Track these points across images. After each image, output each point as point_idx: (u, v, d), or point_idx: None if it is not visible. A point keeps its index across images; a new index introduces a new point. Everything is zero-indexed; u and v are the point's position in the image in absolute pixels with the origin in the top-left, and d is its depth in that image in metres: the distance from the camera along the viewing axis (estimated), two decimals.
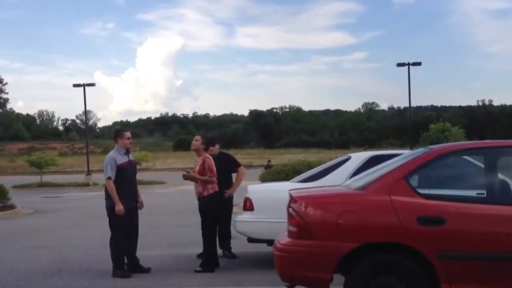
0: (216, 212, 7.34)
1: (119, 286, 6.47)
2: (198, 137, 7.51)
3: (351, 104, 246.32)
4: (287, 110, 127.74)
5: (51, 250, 9.27)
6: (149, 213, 14.53)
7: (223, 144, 8.47)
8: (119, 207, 6.89)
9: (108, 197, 7.08)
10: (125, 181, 7.06)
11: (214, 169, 7.24)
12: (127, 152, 7.24)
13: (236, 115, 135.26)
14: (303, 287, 4.72)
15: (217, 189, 7.34)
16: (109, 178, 6.95)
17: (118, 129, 7.60)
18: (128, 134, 7.27)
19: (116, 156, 7.09)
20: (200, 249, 8.05)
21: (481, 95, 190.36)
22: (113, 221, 7.07)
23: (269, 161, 28.97)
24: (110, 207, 7.03)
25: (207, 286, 6.37)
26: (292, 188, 5.41)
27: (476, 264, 4.16)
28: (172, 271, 7.22)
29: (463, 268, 4.16)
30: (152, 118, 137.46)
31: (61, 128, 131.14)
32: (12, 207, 16.76)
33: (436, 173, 4.72)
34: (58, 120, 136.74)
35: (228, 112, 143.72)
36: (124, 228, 7.08)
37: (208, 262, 7.13)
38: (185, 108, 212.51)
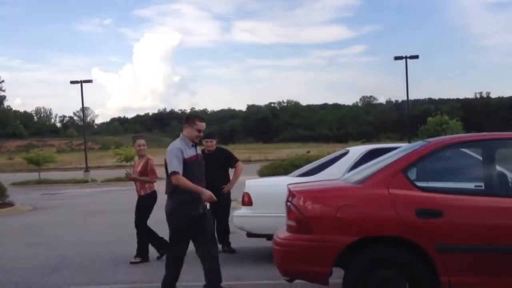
0: (151, 210, 7.82)
1: (119, 282, 6.48)
2: (143, 141, 8.01)
3: (349, 98, 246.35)
4: (285, 104, 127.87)
5: (50, 247, 9.28)
6: None
7: (221, 139, 8.50)
8: (207, 194, 5.31)
9: (168, 202, 5.57)
10: (191, 181, 5.38)
11: (157, 171, 7.82)
12: (195, 145, 5.60)
13: (234, 110, 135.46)
14: (303, 281, 4.74)
15: (154, 189, 7.87)
16: (175, 172, 5.27)
17: (191, 115, 6.13)
18: (201, 125, 5.53)
19: (183, 147, 5.43)
20: None
21: (478, 87, 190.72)
22: (172, 230, 5.62)
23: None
24: (170, 213, 5.52)
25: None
26: (290, 183, 5.42)
27: (474, 256, 4.17)
28: None
29: (462, 260, 4.17)
30: (150, 114, 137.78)
31: (58, 125, 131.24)
32: (11, 204, 16.76)
33: (434, 166, 4.73)
34: (55, 117, 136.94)
35: (226, 107, 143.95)
36: (183, 241, 5.59)
37: (144, 251, 7.69)
38: (183, 103, 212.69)
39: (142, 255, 7.68)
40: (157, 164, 7.74)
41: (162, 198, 6.34)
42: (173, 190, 5.37)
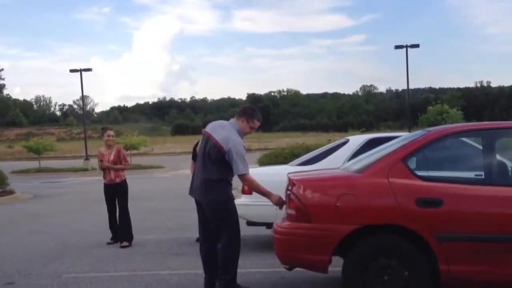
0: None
1: (120, 270, 6.51)
2: (112, 133, 8.40)
3: (349, 87, 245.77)
4: (285, 93, 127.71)
5: (51, 235, 9.31)
6: (148, 197, 14.59)
7: None
8: (276, 197, 5.06)
9: (214, 190, 5.01)
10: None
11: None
12: None
13: (234, 99, 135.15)
14: (302, 269, 4.76)
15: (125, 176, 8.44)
16: (245, 174, 4.94)
17: (252, 110, 5.22)
18: (258, 125, 5.20)
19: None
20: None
21: (479, 76, 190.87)
22: (231, 217, 5.14)
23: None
24: (226, 200, 5.07)
25: None
26: (290, 172, 5.42)
27: (474, 245, 4.18)
28: (172, 255, 7.27)
29: (461, 249, 4.18)
30: (150, 103, 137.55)
31: (58, 113, 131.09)
32: (11, 192, 16.82)
33: (434, 155, 4.73)
34: (55, 105, 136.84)
35: (226, 96, 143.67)
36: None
37: (130, 234, 8.18)
38: (183, 92, 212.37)
39: (129, 238, 8.14)
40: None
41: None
42: (220, 179, 4.99)
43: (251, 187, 5.13)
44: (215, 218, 5.08)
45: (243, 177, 4.98)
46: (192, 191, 5.33)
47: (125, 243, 8.04)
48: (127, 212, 8.27)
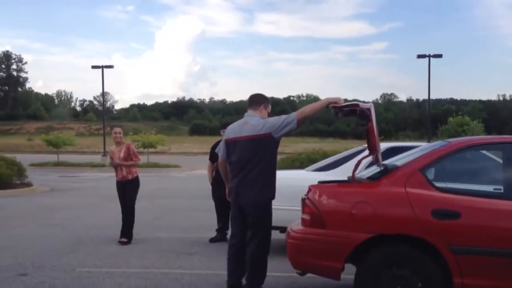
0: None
1: (132, 266, 6.54)
2: (119, 130, 8.41)
3: (369, 94, 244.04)
4: (304, 98, 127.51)
5: (66, 229, 9.40)
6: (164, 196, 14.66)
7: None
8: (334, 98, 4.97)
9: (264, 187, 5.00)
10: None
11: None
12: None
13: None
14: (315, 275, 4.74)
15: (138, 173, 8.41)
16: (295, 117, 4.93)
17: (260, 94, 5.33)
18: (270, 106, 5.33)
19: None
20: (212, 234, 8.13)
21: (501, 89, 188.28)
22: (268, 218, 5.12)
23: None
24: (269, 201, 5.10)
25: (218, 270, 6.39)
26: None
27: (489, 260, 4.12)
28: (184, 254, 7.28)
29: (477, 263, 4.12)
30: (169, 102, 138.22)
31: (78, 108, 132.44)
32: (29, 184, 17.04)
33: (453, 166, 4.67)
34: (76, 100, 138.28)
35: (244, 98, 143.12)
36: None
37: (131, 232, 8.18)
38: (202, 93, 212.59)
39: (129, 235, 8.13)
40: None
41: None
42: (258, 179, 4.96)
43: (310, 113, 4.98)
44: (255, 218, 5.00)
45: (295, 120, 4.89)
46: (231, 196, 5.19)
47: (123, 239, 8.04)
48: (133, 209, 8.29)
